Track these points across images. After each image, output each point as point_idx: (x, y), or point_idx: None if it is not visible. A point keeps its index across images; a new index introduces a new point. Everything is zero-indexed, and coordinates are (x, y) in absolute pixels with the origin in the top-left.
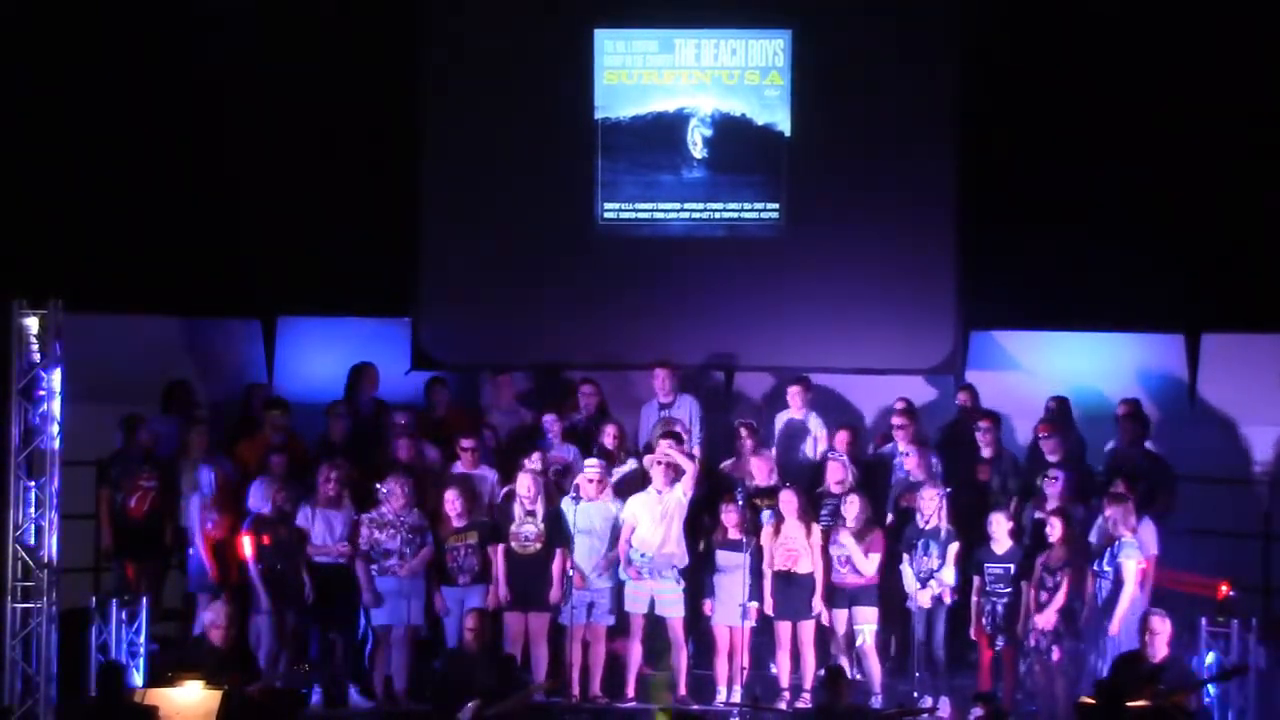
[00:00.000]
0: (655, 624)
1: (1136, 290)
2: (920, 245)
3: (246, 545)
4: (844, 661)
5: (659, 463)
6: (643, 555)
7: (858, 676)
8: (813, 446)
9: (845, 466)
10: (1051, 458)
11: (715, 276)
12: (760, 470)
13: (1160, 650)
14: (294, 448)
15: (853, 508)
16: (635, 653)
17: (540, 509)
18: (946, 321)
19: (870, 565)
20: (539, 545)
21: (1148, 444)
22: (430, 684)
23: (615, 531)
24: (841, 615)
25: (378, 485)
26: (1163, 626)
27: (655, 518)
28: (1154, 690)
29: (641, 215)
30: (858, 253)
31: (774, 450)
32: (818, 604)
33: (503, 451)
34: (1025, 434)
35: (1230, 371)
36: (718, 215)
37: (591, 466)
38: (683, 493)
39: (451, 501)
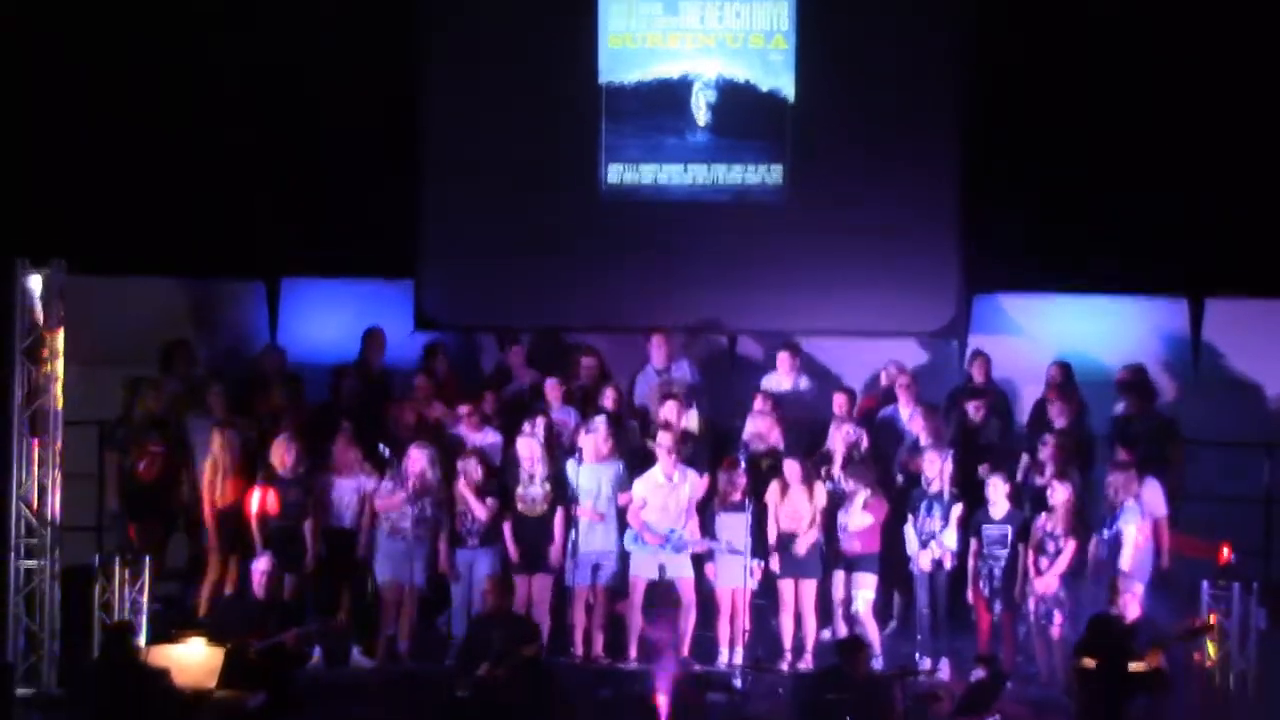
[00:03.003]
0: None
1: (1140, 254)
2: (923, 209)
3: (254, 502)
4: (841, 625)
5: (664, 446)
6: (673, 531)
7: None
8: (807, 409)
9: (855, 430)
10: (1057, 423)
11: (719, 240)
12: (772, 433)
13: (1131, 610)
14: (303, 410)
15: (855, 480)
16: (638, 616)
17: (543, 471)
18: (949, 285)
19: (862, 520)
20: (545, 506)
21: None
22: (437, 645)
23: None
24: (839, 578)
25: (381, 447)
26: (1129, 586)
27: (665, 508)
28: (1128, 650)
29: (645, 179)
30: (861, 217)
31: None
32: (817, 563)
33: (504, 415)
34: (1028, 399)
35: (1234, 336)
36: (722, 180)
37: (594, 428)
38: (692, 489)
39: (466, 467)
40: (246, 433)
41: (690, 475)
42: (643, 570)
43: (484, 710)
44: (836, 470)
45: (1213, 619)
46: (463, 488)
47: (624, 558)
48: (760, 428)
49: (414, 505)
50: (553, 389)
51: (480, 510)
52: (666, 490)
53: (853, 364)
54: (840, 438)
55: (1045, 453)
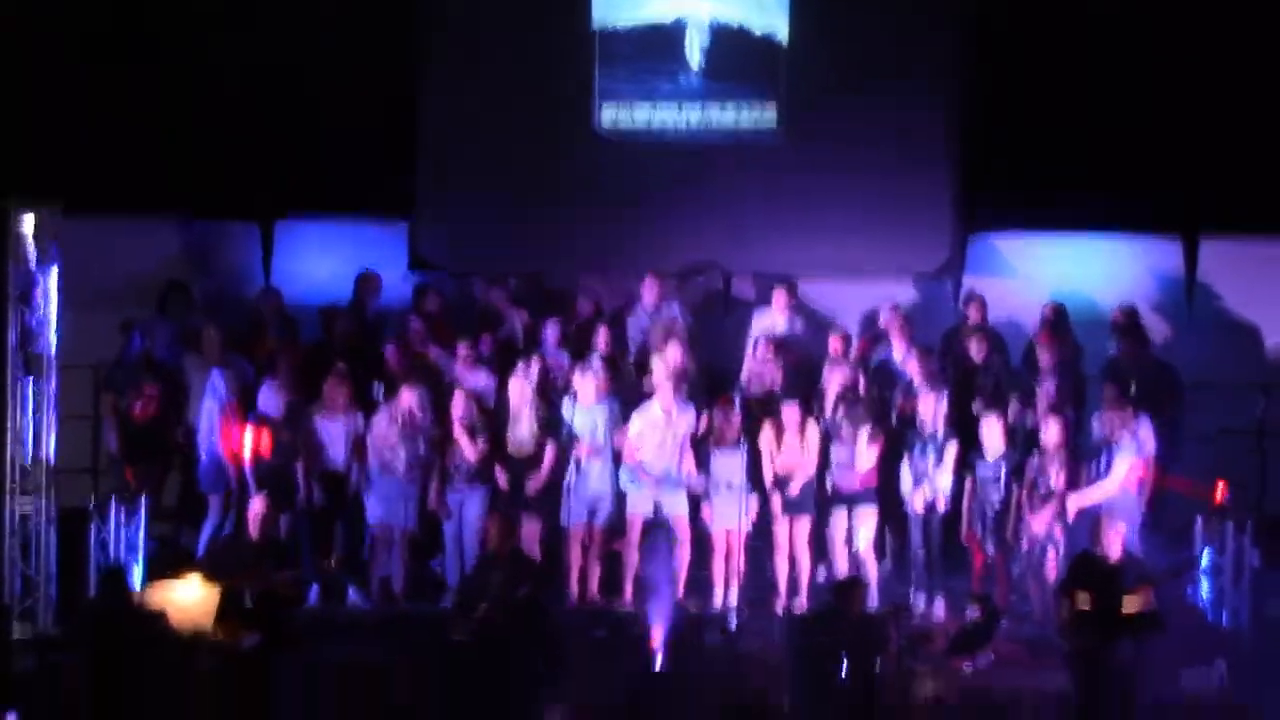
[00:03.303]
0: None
1: (1135, 195)
2: (918, 150)
3: (247, 444)
4: (840, 564)
5: (665, 380)
6: (669, 470)
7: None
8: (804, 349)
9: (850, 372)
10: (1046, 365)
11: (713, 182)
12: (774, 377)
13: (1114, 550)
14: (296, 351)
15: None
16: (633, 555)
17: (532, 413)
18: (944, 226)
19: (868, 458)
20: (532, 449)
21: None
22: (432, 587)
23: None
24: (839, 518)
25: (377, 384)
26: (1114, 524)
27: (662, 443)
28: (1112, 590)
29: (639, 122)
30: (855, 158)
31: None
32: (800, 490)
33: (499, 356)
34: (1022, 339)
35: (1228, 276)
36: (715, 122)
37: (589, 369)
38: (688, 424)
39: (458, 406)
40: (242, 374)
41: (686, 411)
42: (639, 508)
43: (481, 652)
44: (829, 412)
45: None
46: (455, 427)
47: (620, 498)
48: (759, 369)
49: (406, 445)
50: (551, 331)
51: (470, 450)
52: (663, 426)
53: (849, 306)
54: (836, 380)
55: (1041, 393)
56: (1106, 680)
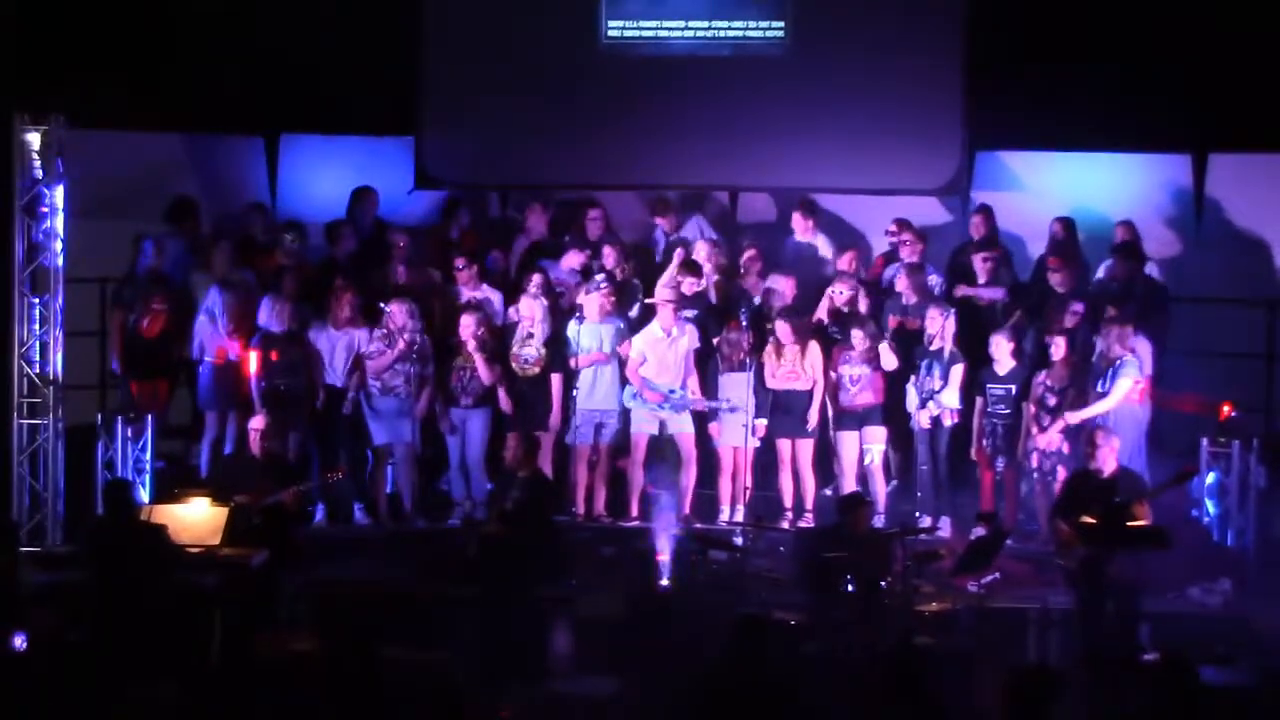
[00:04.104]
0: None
1: (1144, 109)
2: (926, 64)
3: (253, 361)
4: (847, 482)
5: (668, 301)
6: (673, 390)
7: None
8: (824, 268)
9: (853, 287)
10: (1060, 289)
11: (720, 96)
12: (783, 290)
13: (1108, 464)
14: (303, 268)
15: (860, 337)
16: (639, 473)
17: (541, 331)
18: (952, 141)
19: (891, 360)
20: (538, 369)
21: (1148, 269)
22: (438, 505)
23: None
24: (850, 436)
25: (382, 305)
26: (1107, 440)
27: (664, 362)
28: (1107, 504)
29: (646, 34)
30: (863, 72)
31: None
32: (813, 417)
33: (509, 273)
34: (1029, 254)
35: (1237, 192)
36: (723, 34)
37: (595, 286)
38: (690, 342)
39: (465, 325)
40: (247, 290)
41: (689, 329)
42: (644, 427)
43: (487, 567)
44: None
45: (1190, 469)
46: (470, 346)
47: (625, 414)
48: (779, 285)
49: (402, 363)
50: (568, 251)
51: (486, 373)
52: (665, 344)
53: (869, 220)
54: (831, 294)
55: (1050, 311)
56: (1106, 594)
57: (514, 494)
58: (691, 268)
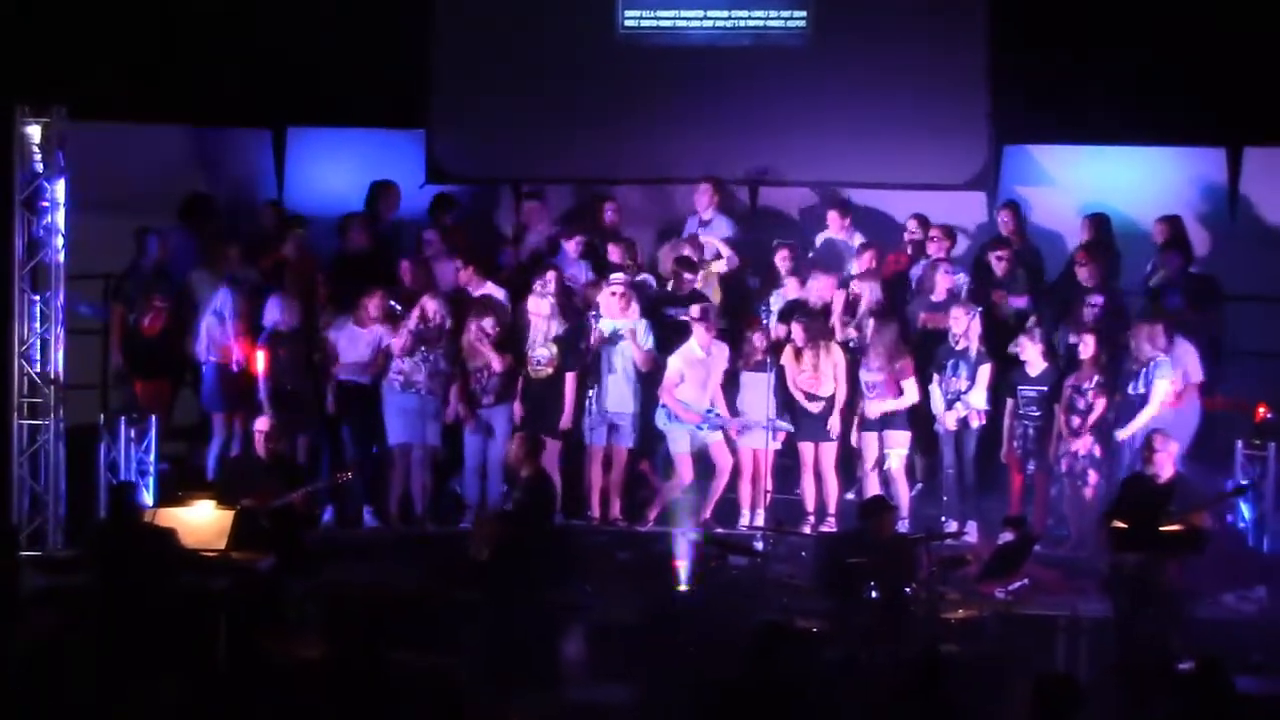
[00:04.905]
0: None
1: (1177, 102)
2: (952, 55)
3: (260, 360)
4: (871, 486)
5: (698, 319)
6: (709, 411)
7: None
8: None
9: (862, 285)
10: (1088, 283)
11: (739, 88)
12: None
13: (1166, 470)
14: (307, 263)
15: (879, 339)
16: (676, 490)
17: (554, 330)
18: (979, 135)
19: (911, 394)
20: (550, 369)
21: (1192, 268)
22: (451, 508)
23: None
24: (871, 439)
25: (393, 304)
26: (1165, 445)
27: (700, 381)
28: (1165, 512)
29: (663, 23)
30: (887, 63)
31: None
32: (835, 424)
33: (522, 270)
34: (1059, 251)
35: (1272, 187)
36: (743, 23)
37: (613, 288)
38: (725, 360)
39: (480, 325)
40: (253, 289)
41: (723, 348)
42: (681, 445)
43: (497, 572)
44: (838, 325)
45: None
46: (477, 340)
47: (641, 417)
48: (817, 285)
49: (426, 359)
50: (572, 243)
51: (497, 362)
52: (703, 364)
53: (882, 219)
54: (843, 293)
55: (1080, 310)
56: (1154, 602)
57: (515, 495)
58: (687, 265)
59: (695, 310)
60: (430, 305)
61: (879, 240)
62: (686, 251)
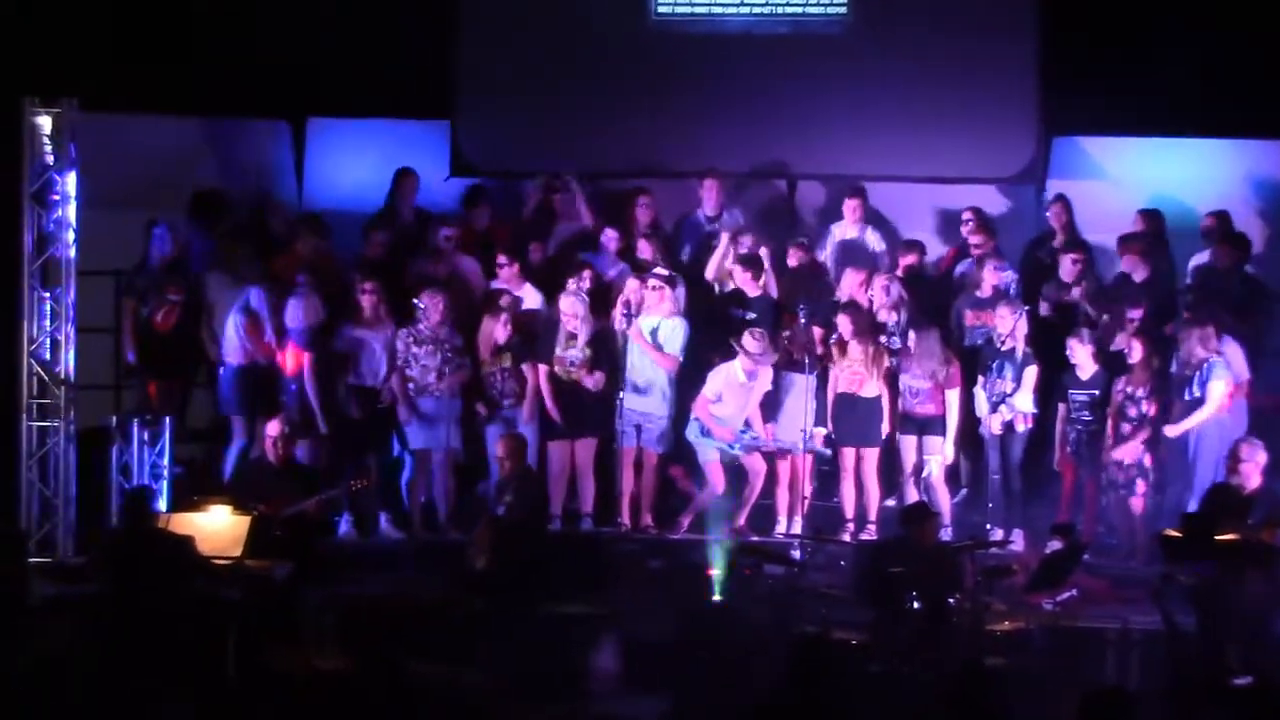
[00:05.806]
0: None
1: (1230, 93)
2: (998, 43)
3: (299, 360)
4: (911, 492)
5: (741, 346)
6: (743, 431)
7: None
8: (873, 261)
9: (887, 281)
10: (1137, 278)
11: (777, 77)
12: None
13: (1252, 480)
14: (328, 264)
15: (922, 346)
16: (707, 497)
17: (586, 332)
18: (1028, 126)
19: (953, 412)
20: (584, 371)
21: (1247, 267)
22: (476, 514)
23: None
24: (910, 442)
25: (415, 301)
26: (1253, 454)
27: (738, 403)
28: (1243, 523)
29: (698, 10)
30: (931, 50)
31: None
32: (885, 427)
33: (553, 265)
34: (1109, 248)
35: None
36: (780, 10)
37: (652, 288)
38: (768, 379)
39: (488, 326)
40: (271, 291)
41: (768, 372)
42: (711, 455)
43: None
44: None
45: None
46: (484, 351)
47: (671, 420)
48: (847, 280)
49: (437, 356)
50: (610, 239)
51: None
52: (744, 389)
53: (924, 214)
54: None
55: (1131, 312)
56: (1228, 617)
57: (506, 497)
58: (752, 264)
59: (748, 342)
60: (431, 309)
61: (914, 238)
62: (746, 250)
